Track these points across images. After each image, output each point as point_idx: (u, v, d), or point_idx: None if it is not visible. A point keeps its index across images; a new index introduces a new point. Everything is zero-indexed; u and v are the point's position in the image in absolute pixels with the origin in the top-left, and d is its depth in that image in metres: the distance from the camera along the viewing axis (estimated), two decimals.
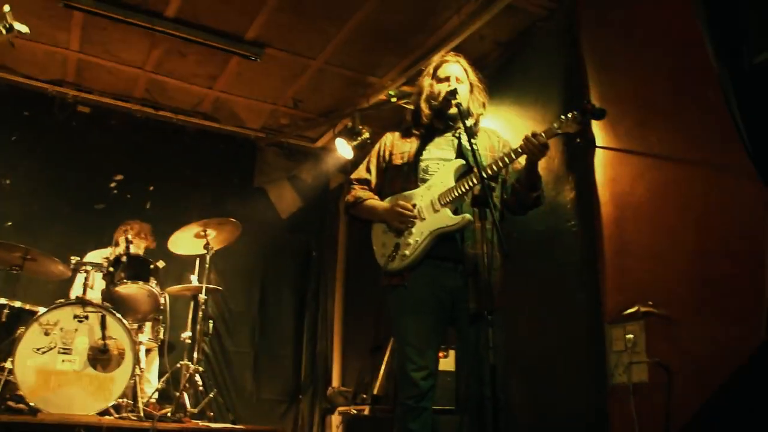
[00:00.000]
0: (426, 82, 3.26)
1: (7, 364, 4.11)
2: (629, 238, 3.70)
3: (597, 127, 4.02)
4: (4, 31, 2.84)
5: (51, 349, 4.23)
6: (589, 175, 4.02)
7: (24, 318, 4.50)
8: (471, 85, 3.24)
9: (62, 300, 4.49)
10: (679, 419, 3.13)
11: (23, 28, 2.91)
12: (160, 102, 6.82)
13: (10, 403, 4.30)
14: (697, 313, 3.23)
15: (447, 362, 4.31)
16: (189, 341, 5.26)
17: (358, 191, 3.28)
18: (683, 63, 3.55)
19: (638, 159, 3.74)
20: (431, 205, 3.00)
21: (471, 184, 2.91)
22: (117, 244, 5.50)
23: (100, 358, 4.33)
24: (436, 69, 3.27)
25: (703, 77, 3.24)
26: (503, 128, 4.42)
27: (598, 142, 4.01)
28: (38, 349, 4.20)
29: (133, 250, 5.06)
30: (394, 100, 5.76)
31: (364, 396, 5.31)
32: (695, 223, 3.33)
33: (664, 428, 3.18)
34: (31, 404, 4.06)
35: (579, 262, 4.00)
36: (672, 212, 3.46)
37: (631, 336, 3.51)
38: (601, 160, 3.99)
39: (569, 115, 2.84)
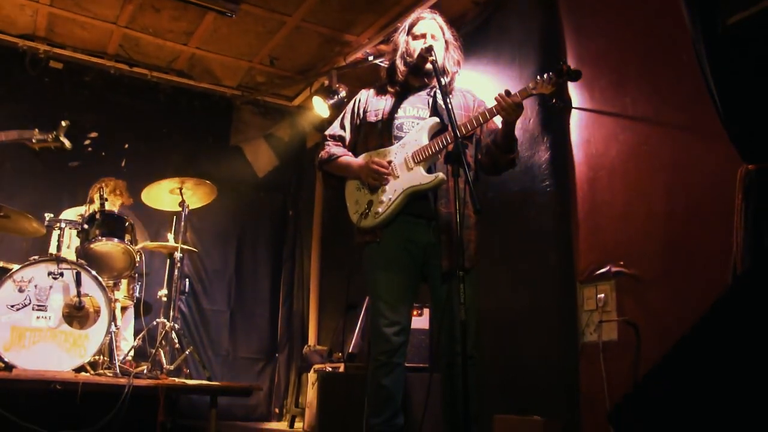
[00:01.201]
0: (401, 38, 3.24)
1: None
2: (602, 198, 3.74)
3: (573, 88, 4.03)
4: (51, 139, 3.50)
5: (25, 306, 4.22)
6: (565, 135, 4.03)
7: None
8: (446, 42, 3.23)
9: (36, 257, 4.46)
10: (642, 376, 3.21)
11: (67, 144, 3.56)
12: (135, 58, 6.71)
13: None
14: (666, 274, 3.29)
15: (422, 321, 4.37)
16: (165, 299, 5.27)
17: (332, 148, 3.28)
18: (658, 25, 3.55)
19: (612, 120, 3.76)
20: (405, 163, 3.00)
21: (444, 142, 2.92)
22: (92, 201, 5.49)
23: (76, 315, 4.32)
24: (411, 26, 3.25)
25: (677, 39, 3.26)
26: (480, 88, 4.38)
27: (574, 102, 4.02)
28: (12, 306, 4.18)
29: (108, 207, 5.03)
30: (371, 58, 5.74)
31: (339, 354, 5.37)
32: (666, 184, 3.36)
33: (632, 385, 3.25)
34: (6, 360, 4.06)
35: (553, 222, 4.05)
36: (644, 174, 3.50)
37: (602, 295, 3.57)
38: (576, 121, 4.00)
39: (545, 76, 2.85)
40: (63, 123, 3.14)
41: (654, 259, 3.36)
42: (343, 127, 3.32)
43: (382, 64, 3.63)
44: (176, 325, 5.08)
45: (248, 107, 7.41)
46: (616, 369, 3.39)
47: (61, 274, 4.34)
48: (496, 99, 2.88)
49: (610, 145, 3.73)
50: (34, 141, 3.14)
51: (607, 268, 3.55)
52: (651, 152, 3.48)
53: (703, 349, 1.88)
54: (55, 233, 4.90)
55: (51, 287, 4.31)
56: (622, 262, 3.49)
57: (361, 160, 3.12)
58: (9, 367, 4.05)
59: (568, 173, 3.95)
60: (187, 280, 5.52)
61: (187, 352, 5.10)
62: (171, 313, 5.11)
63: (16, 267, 4.38)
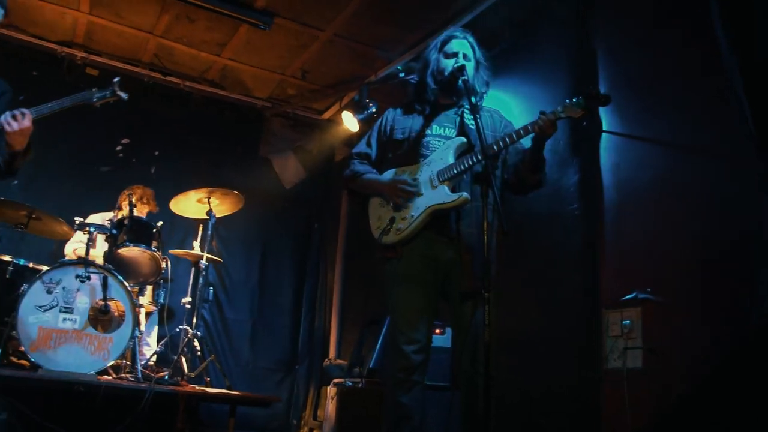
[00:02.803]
0: (432, 56, 3.25)
1: (10, 320, 4.17)
2: (630, 223, 3.70)
3: (604, 112, 4.01)
4: (109, 95, 3.51)
5: (53, 307, 4.28)
6: (594, 159, 4.00)
7: (27, 275, 4.56)
8: (477, 62, 3.23)
9: (65, 259, 4.53)
10: (671, 404, 3.16)
11: (124, 96, 3.58)
12: (168, 67, 6.81)
13: (13, 358, 4.38)
14: (694, 302, 3.24)
15: (444, 339, 4.35)
16: (189, 306, 5.31)
17: (358, 165, 3.29)
18: (691, 50, 3.53)
19: (643, 145, 3.73)
20: (429, 182, 3.01)
21: (471, 162, 2.92)
22: (120, 208, 5.56)
23: (101, 318, 4.37)
24: (443, 44, 3.25)
25: (710, 65, 3.23)
26: (510, 108, 4.42)
27: (605, 126, 3.99)
28: (40, 307, 4.24)
29: (135, 214, 5.09)
30: (402, 74, 5.75)
31: (359, 369, 5.36)
32: (695, 211, 3.32)
33: (656, 415, 3.21)
34: (32, 360, 4.12)
35: (579, 245, 4.00)
36: (673, 200, 3.46)
37: (627, 322, 3.52)
38: (606, 144, 3.97)
39: (574, 100, 2.84)
40: (115, 79, 3.29)
41: (682, 286, 3.31)
42: (369, 144, 3.33)
43: (412, 81, 3.64)
44: (199, 333, 5.12)
45: (278, 119, 7.46)
46: (640, 397, 3.34)
47: (89, 278, 4.40)
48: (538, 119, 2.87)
49: (640, 170, 3.70)
50: (94, 100, 3.29)
51: (634, 294, 3.50)
52: (681, 179, 3.44)
53: (735, 381, 1.85)
54: (81, 234, 4.97)
55: (78, 290, 4.37)
56: (649, 289, 3.45)
57: (385, 177, 3.13)
58: (34, 366, 4.10)
59: (597, 197, 3.92)
60: (211, 288, 5.56)
61: (208, 361, 5.12)
62: (194, 321, 5.14)
63: (45, 268, 4.45)
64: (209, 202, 5.35)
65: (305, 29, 5.79)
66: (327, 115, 7.39)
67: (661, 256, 3.48)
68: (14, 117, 3.04)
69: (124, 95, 3.40)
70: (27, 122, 3.07)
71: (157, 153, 6.88)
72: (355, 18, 5.50)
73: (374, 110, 5.82)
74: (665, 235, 3.48)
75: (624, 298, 3.58)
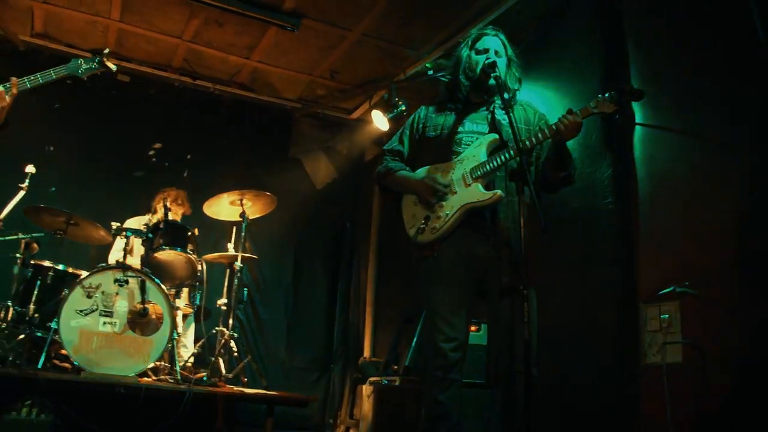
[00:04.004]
0: (464, 53, 3.25)
1: (53, 324, 4.26)
2: (666, 216, 3.65)
3: (637, 104, 3.96)
4: (96, 65, 3.29)
5: (93, 311, 4.35)
6: (627, 152, 3.96)
7: (67, 280, 4.66)
8: (508, 59, 3.23)
9: (104, 264, 4.60)
10: (713, 402, 3.12)
11: (113, 67, 3.37)
12: (198, 71, 6.88)
13: (56, 361, 4.47)
14: (734, 295, 3.19)
15: (479, 336, 4.34)
16: (224, 308, 5.37)
17: (390, 162, 3.31)
18: (725, 39, 3.48)
19: (678, 137, 3.68)
20: (463, 179, 3.01)
21: (503, 159, 2.92)
22: (155, 211, 5.64)
23: (139, 321, 4.44)
24: (474, 41, 3.25)
25: (746, 53, 3.18)
26: (540, 104, 4.38)
27: (638, 118, 3.94)
28: (81, 311, 4.32)
29: (171, 216, 5.17)
30: (431, 72, 5.76)
31: (395, 367, 5.38)
32: (733, 203, 3.28)
33: (696, 410, 3.17)
34: (75, 363, 4.20)
35: (614, 240, 3.97)
36: (710, 192, 3.41)
37: (666, 316, 3.48)
38: (639, 137, 3.93)
39: (606, 95, 2.83)
40: (105, 50, 3.19)
41: (721, 279, 3.26)
42: (401, 142, 3.34)
43: (442, 79, 3.64)
44: (235, 334, 5.17)
45: (308, 120, 7.51)
46: (679, 392, 3.29)
47: (127, 282, 4.47)
48: (559, 119, 2.86)
49: (675, 163, 3.66)
50: (81, 72, 3.14)
51: (671, 287, 3.46)
52: (718, 170, 3.39)
53: None
54: (120, 241, 5.05)
55: (117, 294, 4.45)
56: (687, 282, 3.40)
57: (418, 175, 3.14)
58: (77, 369, 4.18)
59: (631, 190, 3.88)
60: (245, 289, 5.61)
61: (245, 361, 5.18)
62: (230, 322, 5.19)
63: (84, 273, 4.53)
64: (242, 204, 5.41)
65: (333, 30, 5.81)
66: (356, 114, 7.41)
67: (698, 249, 3.43)
68: None
69: (113, 67, 3.28)
70: (9, 98, 2.92)
71: (189, 156, 6.97)
72: (383, 17, 5.51)
73: (404, 108, 5.83)
74: (702, 227, 3.43)
75: (661, 292, 3.53)
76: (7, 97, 2.77)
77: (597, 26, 4.46)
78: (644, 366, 3.58)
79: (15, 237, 4.75)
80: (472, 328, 4.30)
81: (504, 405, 2.88)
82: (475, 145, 3.05)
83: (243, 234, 5.39)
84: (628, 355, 3.68)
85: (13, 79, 2.83)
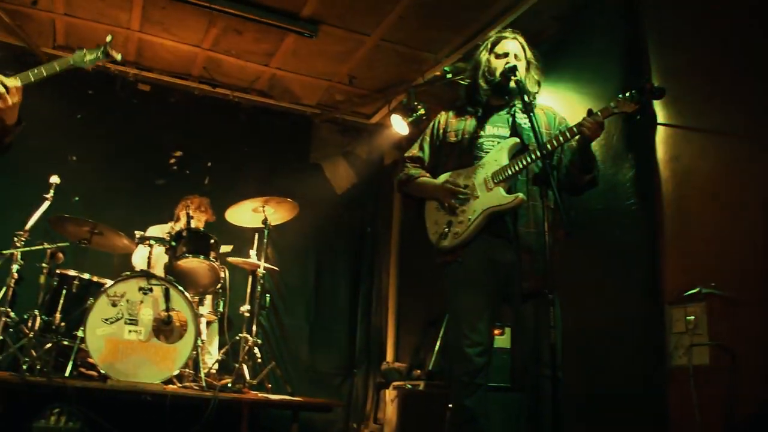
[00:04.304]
0: (483, 57, 3.25)
1: (79, 333, 4.30)
2: (691, 217, 3.62)
3: (658, 104, 3.92)
4: (101, 56, 3.12)
5: (118, 319, 4.39)
6: (650, 152, 3.92)
7: (92, 289, 4.71)
8: (528, 62, 3.23)
9: (128, 273, 4.64)
10: (743, 404, 3.08)
11: (117, 56, 3.19)
12: (218, 79, 6.92)
13: (82, 369, 4.52)
14: (762, 295, 3.16)
15: (503, 340, 4.33)
16: (248, 315, 5.39)
17: (411, 169, 3.31)
18: (748, 35, 3.44)
19: (702, 136, 3.65)
20: (484, 184, 3.00)
21: (525, 162, 2.91)
22: (178, 219, 5.69)
23: (164, 329, 4.47)
24: (494, 45, 3.25)
25: None
26: (560, 106, 4.36)
27: (660, 118, 3.91)
28: (106, 320, 4.36)
29: (193, 224, 5.21)
30: (449, 75, 5.75)
31: (419, 371, 5.37)
32: (760, 201, 3.24)
33: (726, 413, 3.13)
34: (102, 371, 4.24)
35: (638, 241, 3.93)
36: (738, 191, 3.37)
37: (692, 317, 3.45)
38: (662, 137, 3.89)
39: (627, 95, 2.81)
40: (108, 38, 3.11)
41: (749, 280, 3.22)
42: (422, 148, 3.35)
43: (461, 82, 3.63)
44: (259, 341, 5.19)
45: (327, 125, 7.54)
46: (708, 395, 3.26)
47: (151, 290, 4.51)
48: (580, 121, 2.85)
49: (700, 162, 3.62)
50: (85, 62, 3.05)
51: (697, 289, 3.42)
52: (745, 168, 3.35)
53: None
54: (143, 249, 5.10)
55: (141, 302, 4.48)
56: (713, 283, 3.37)
57: (439, 181, 3.13)
58: (104, 377, 4.22)
59: (655, 191, 3.84)
60: (267, 295, 5.63)
61: (269, 368, 5.20)
62: (254, 329, 5.21)
63: (108, 282, 4.58)
64: (264, 211, 5.43)
65: (351, 35, 5.82)
66: (375, 119, 7.41)
67: (724, 249, 3.39)
68: (6, 90, 2.72)
69: (117, 56, 3.20)
70: (16, 97, 2.74)
71: (209, 164, 7.01)
72: (401, 22, 5.50)
73: (423, 112, 5.82)
74: (728, 227, 3.40)
75: (687, 293, 3.50)
76: (9, 98, 2.70)
77: (616, 25, 4.44)
78: (671, 368, 3.55)
79: (41, 247, 4.80)
80: (496, 331, 4.30)
81: (530, 409, 2.88)
82: (496, 149, 3.05)
83: (265, 241, 5.41)
84: (654, 358, 3.65)
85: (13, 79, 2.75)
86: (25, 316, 4.58)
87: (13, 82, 2.68)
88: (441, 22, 5.46)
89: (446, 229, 3.03)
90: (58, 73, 2.93)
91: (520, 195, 2.91)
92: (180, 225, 5.51)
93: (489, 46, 3.25)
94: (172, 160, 6.90)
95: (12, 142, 2.88)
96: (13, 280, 4.61)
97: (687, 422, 3.31)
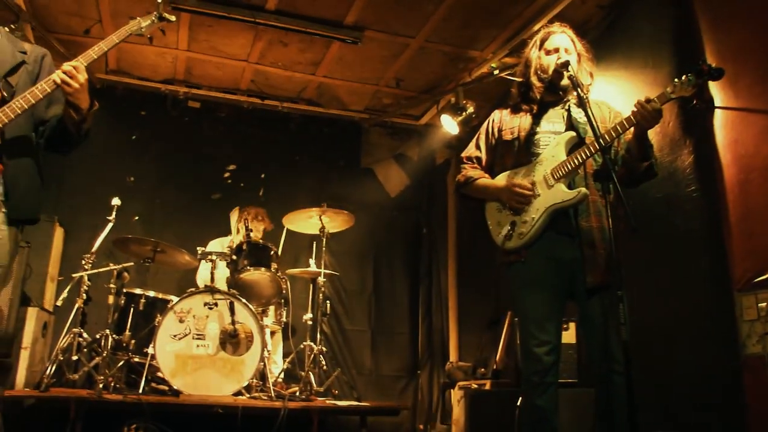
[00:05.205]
0: (533, 54, 3.22)
1: (149, 350, 4.42)
2: (756, 201, 3.52)
3: (715, 87, 3.82)
4: (156, 20, 3.07)
5: (186, 335, 4.51)
6: (709, 137, 3.83)
7: (158, 306, 4.84)
8: (579, 55, 3.18)
9: (193, 289, 4.76)
10: None
11: (172, 18, 3.13)
12: (266, 91, 7.02)
13: (153, 385, 4.64)
14: None
15: (567, 335, 4.29)
16: (310, 322, 5.45)
17: (469, 170, 3.29)
18: None
19: (763, 117, 3.54)
20: (544, 181, 2.97)
21: (583, 156, 2.88)
22: (237, 231, 5.79)
23: (231, 342, 4.57)
24: (542, 41, 3.22)
25: None
26: (612, 95, 4.29)
27: (717, 102, 3.81)
28: (175, 336, 4.48)
29: (252, 235, 5.29)
30: (496, 72, 5.71)
31: (483, 370, 5.34)
32: None
33: None
34: (173, 386, 4.35)
35: (702, 228, 3.84)
36: None
37: (764, 304, 3.35)
38: (720, 120, 3.80)
39: (683, 78, 2.74)
40: (159, 0, 3.08)
41: None
42: (478, 147, 3.33)
43: (509, 78, 3.60)
44: (324, 348, 5.25)
45: (376, 129, 7.57)
46: None
47: (216, 304, 4.61)
48: (635, 106, 2.80)
49: (762, 145, 3.51)
50: (143, 30, 3.04)
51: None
52: None
53: None
54: (206, 264, 5.21)
55: (207, 317, 4.59)
56: None
57: (500, 181, 3.12)
58: (175, 392, 4.33)
59: (716, 177, 3.74)
60: (327, 302, 5.68)
61: (335, 374, 5.25)
62: (317, 336, 5.27)
63: (174, 298, 4.69)
64: (321, 221, 5.48)
65: (396, 39, 5.84)
66: (424, 120, 7.42)
67: None
68: (70, 75, 2.64)
69: (171, 18, 3.17)
70: (83, 76, 2.68)
71: (263, 176, 7.11)
72: (444, 22, 5.49)
73: (472, 111, 5.79)
74: None
75: (757, 280, 3.41)
76: (75, 80, 2.68)
77: (664, 7, 4.34)
78: (745, 357, 3.46)
79: (108, 268, 4.95)
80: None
81: (601, 405, 2.85)
82: (553, 145, 3.02)
83: (324, 248, 5.46)
84: (726, 347, 3.56)
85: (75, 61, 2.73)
86: (98, 336, 4.72)
87: (76, 63, 2.69)
88: (484, 19, 5.43)
89: (510, 230, 3.01)
90: (116, 44, 2.91)
91: (583, 190, 2.87)
92: (239, 237, 5.60)
93: (538, 42, 3.21)
94: (227, 174, 7.03)
95: (89, 129, 2.85)
96: (82, 301, 4.77)
97: (765, 409, 3.23)
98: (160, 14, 3.09)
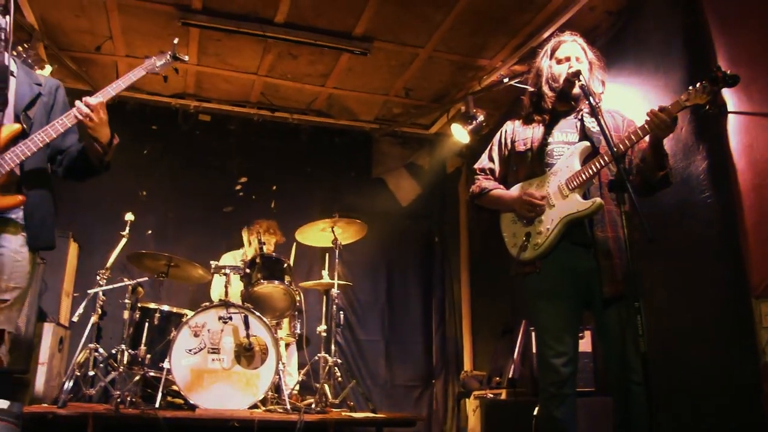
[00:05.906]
0: (544, 63, 3.21)
1: (165, 364, 4.43)
2: None
3: (727, 91, 3.79)
4: (170, 59, 3.19)
5: (201, 349, 4.52)
6: (722, 142, 3.81)
7: (173, 320, 4.85)
8: (590, 63, 3.17)
9: (207, 303, 4.76)
10: None
11: (185, 57, 3.29)
12: (276, 104, 7.05)
13: (169, 398, 4.65)
14: None
15: (583, 343, 4.26)
16: (324, 334, 5.45)
17: (483, 181, 3.28)
18: None
19: None
20: (559, 191, 2.96)
21: (598, 166, 2.86)
22: (249, 244, 5.80)
23: (246, 355, 4.57)
24: (553, 50, 3.21)
25: None
26: (623, 101, 4.27)
27: (730, 106, 3.79)
28: (190, 350, 4.48)
29: (265, 248, 5.29)
30: (506, 80, 5.71)
31: (498, 379, 5.33)
32: None
33: None
34: (189, 400, 4.35)
35: (717, 234, 3.82)
36: None
37: None
38: (734, 125, 3.77)
39: (698, 86, 2.72)
40: (175, 41, 3.16)
41: None
42: (491, 159, 3.32)
43: (518, 85, 3.59)
44: (339, 360, 5.24)
45: (387, 139, 7.58)
46: None
47: (230, 318, 4.61)
48: (648, 115, 2.78)
49: None
50: (158, 69, 3.12)
51: None
52: None
53: None
54: (219, 278, 5.22)
55: (222, 330, 4.59)
56: None
57: (513, 192, 3.11)
58: (192, 407, 4.33)
59: (731, 182, 3.71)
60: (341, 313, 5.68)
61: (350, 386, 5.24)
62: (332, 348, 5.27)
63: (188, 313, 4.70)
64: (333, 232, 5.48)
65: (404, 49, 5.85)
66: (434, 129, 7.43)
67: None
68: (91, 108, 2.73)
69: (184, 58, 3.26)
70: (103, 111, 2.76)
71: (274, 188, 7.12)
72: (453, 31, 5.50)
73: (482, 119, 5.79)
74: None
75: None
76: (95, 115, 2.74)
77: (674, 13, 4.33)
78: (764, 364, 3.43)
79: (123, 284, 4.96)
80: None
81: (619, 414, 2.83)
82: (567, 155, 3.01)
83: (337, 260, 5.46)
84: (743, 355, 3.53)
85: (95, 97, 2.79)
86: (113, 351, 4.74)
87: (96, 99, 2.76)
88: (493, 27, 5.44)
89: (525, 241, 3.00)
90: (133, 82, 3.01)
91: (598, 200, 2.86)
92: (252, 250, 5.62)
93: (549, 51, 3.21)
94: (238, 187, 7.05)
95: (110, 161, 2.95)
96: (97, 316, 4.79)
97: None
98: (175, 54, 3.21)
